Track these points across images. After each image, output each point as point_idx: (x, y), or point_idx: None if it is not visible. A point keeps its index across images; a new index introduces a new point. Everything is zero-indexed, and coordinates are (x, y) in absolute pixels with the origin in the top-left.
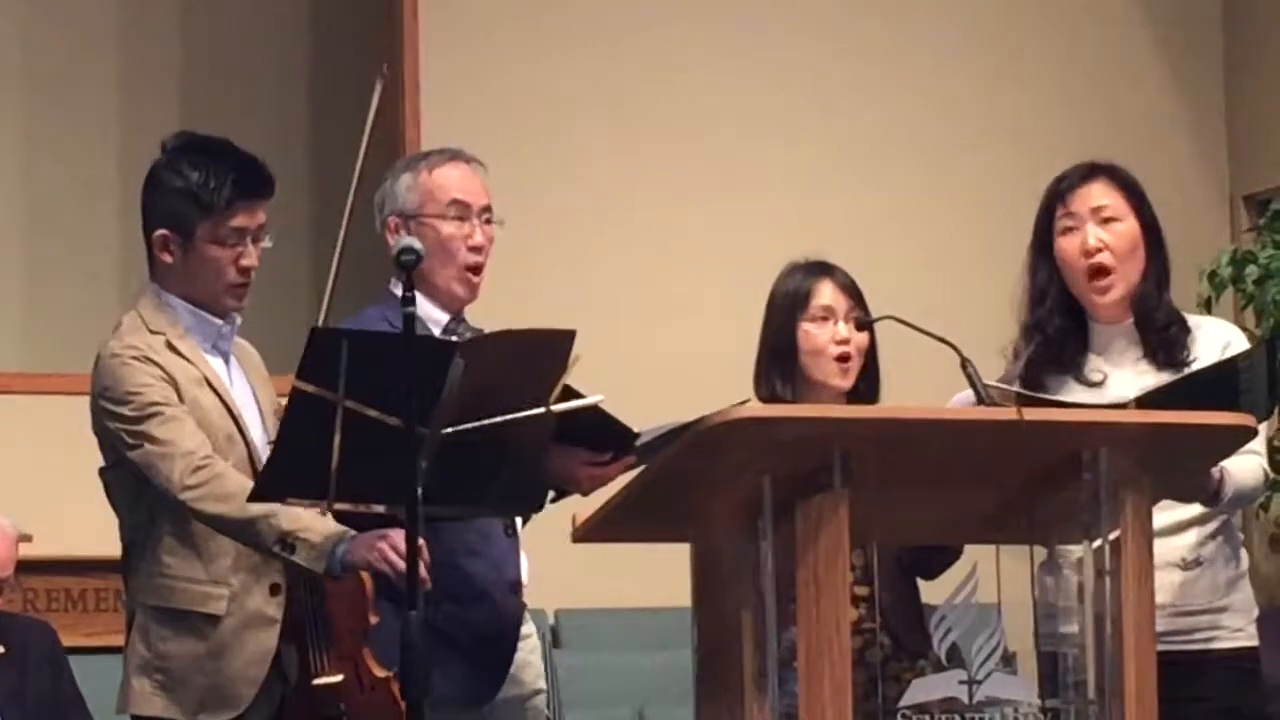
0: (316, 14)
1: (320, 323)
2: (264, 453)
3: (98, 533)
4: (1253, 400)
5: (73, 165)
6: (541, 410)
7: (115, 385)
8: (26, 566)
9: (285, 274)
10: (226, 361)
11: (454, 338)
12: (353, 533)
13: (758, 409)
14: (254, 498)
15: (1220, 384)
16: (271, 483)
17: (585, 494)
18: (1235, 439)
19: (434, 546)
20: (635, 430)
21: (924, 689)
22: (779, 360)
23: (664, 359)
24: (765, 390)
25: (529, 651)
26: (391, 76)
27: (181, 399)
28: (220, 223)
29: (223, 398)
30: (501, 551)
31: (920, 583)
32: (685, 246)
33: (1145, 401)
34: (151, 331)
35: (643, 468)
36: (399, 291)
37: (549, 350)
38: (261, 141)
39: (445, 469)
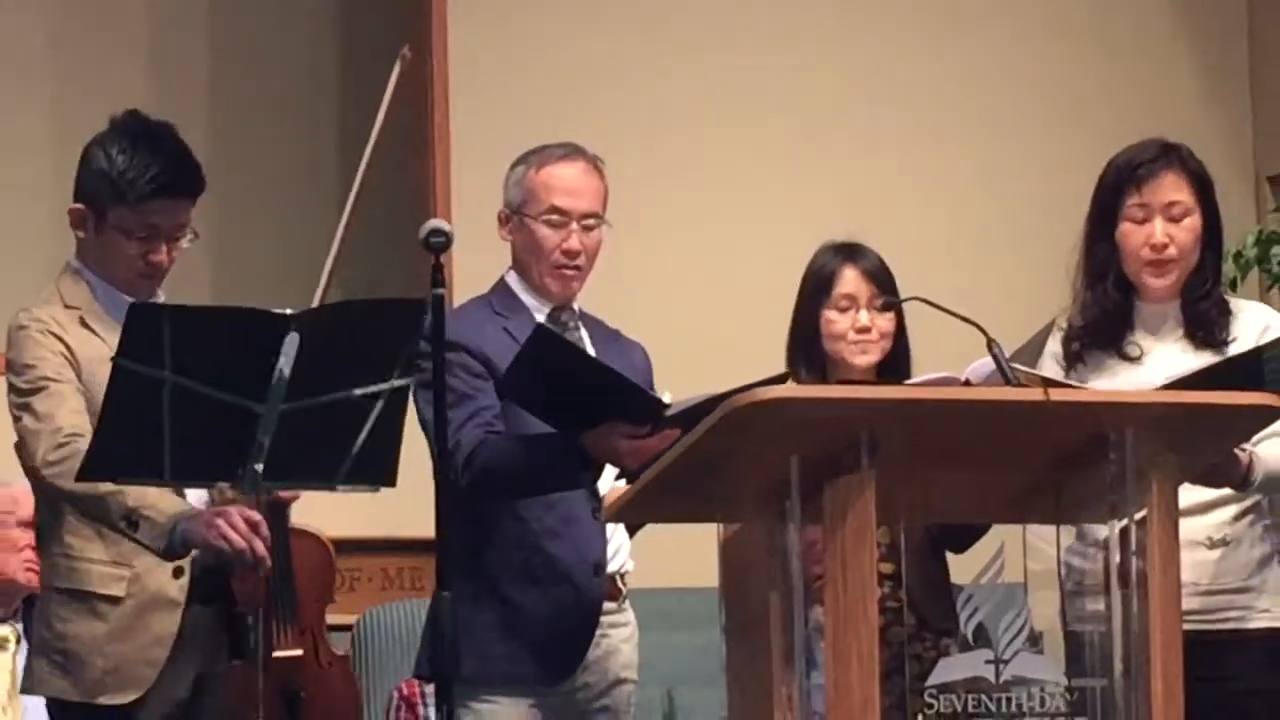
0: (346, 18)
1: (318, 301)
2: None
3: None
4: (1278, 386)
5: None
6: (394, 384)
7: (16, 357)
8: None
9: (310, 252)
10: None
11: (550, 324)
12: (195, 509)
13: (784, 390)
14: (80, 478)
15: (1246, 372)
16: (98, 463)
17: (632, 467)
18: (1258, 419)
19: (515, 528)
20: (665, 400)
21: (950, 668)
22: (804, 344)
23: (699, 334)
24: (792, 374)
25: (621, 640)
26: (420, 58)
27: (80, 375)
28: (132, 215)
29: None
30: (585, 534)
31: (950, 560)
32: (719, 223)
33: (1172, 386)
34: (67, 306)
35: (670, 449)
36: (509, 280)
37: (396, 320)
38: (291, 123)
39: (291, 444)
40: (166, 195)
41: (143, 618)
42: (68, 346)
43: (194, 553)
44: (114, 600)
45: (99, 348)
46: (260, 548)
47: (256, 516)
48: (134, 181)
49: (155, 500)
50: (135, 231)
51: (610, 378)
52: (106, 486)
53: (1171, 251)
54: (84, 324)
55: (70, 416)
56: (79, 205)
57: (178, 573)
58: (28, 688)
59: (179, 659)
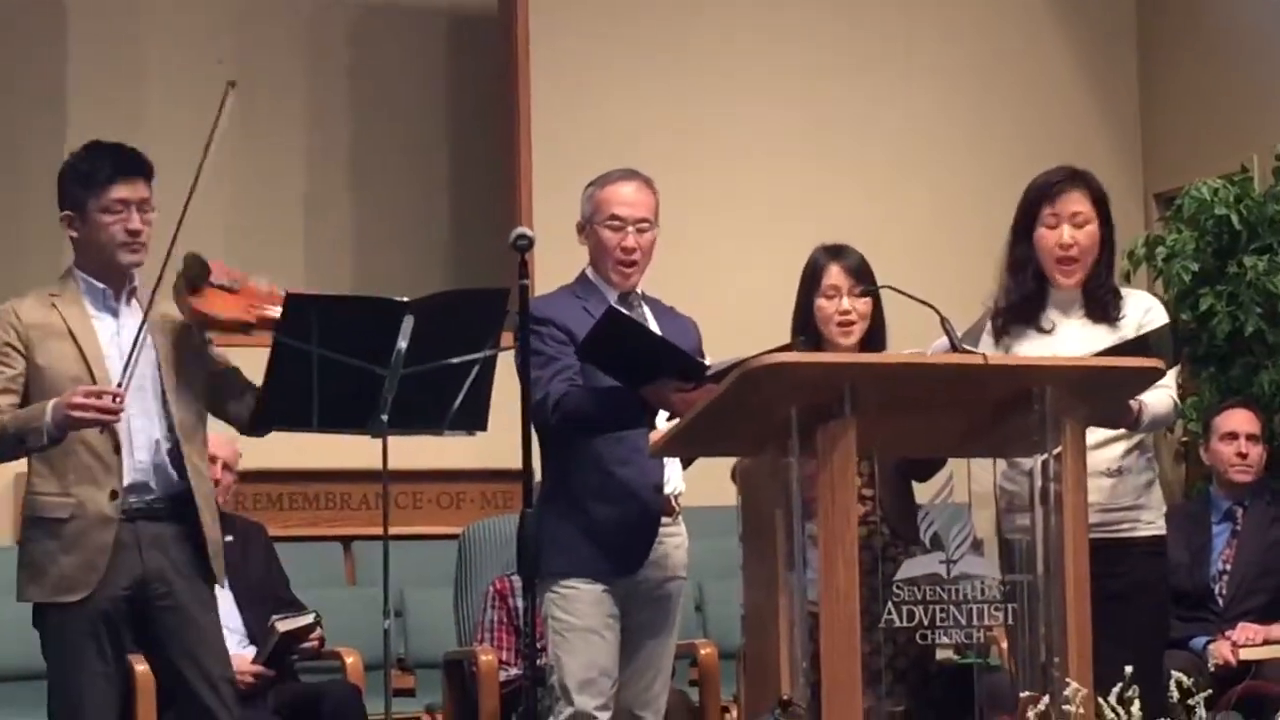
0: (453, 69)
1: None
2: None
3: (288, 451)
4: (1162, 359)
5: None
6: (485, 353)
7: None
8: (240, 476)
9: (421, 251)
10: (116, 316)
11: (619, 305)
12: (52, 404)
13: (787, 356)
14: (252, 428)
15: (1138, 348)
16: (265, 416)
17: (679, 415)
18: (1145, 378)
19: (593, 458)
20: (708, 364)
21: (913, 567)
22: (803, 325)
23: (732, 309)
24: (794, 346)
25: (674, 547)
26: (509, 109)
27: (30, 348)
28: (104, 195)
29: (80, 346)
30: (647, 462)
31: (915, 486)
32: (746, 228)
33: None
34: (49, 294)
35: (705, 400)
36: (587, 272)
37: (486, 304)
38: (409, 156)
39: (408, 400)
40: (124, 174)
41: (86, 534)
42: (17, 332)
43: (132, 480)
44: (62, 522)
45: (56, 322)
46: (108, 403)
47: (92, 387)
48: (99, 170)
49: (26, 420)
50: (111, 208)
51: (664, 346)
52: None
53: (1075, 252)
54: (53, 305)
55: None
56: (66, 212)
57: (113, 495)
58: (18, 596)
59: (121, 563)
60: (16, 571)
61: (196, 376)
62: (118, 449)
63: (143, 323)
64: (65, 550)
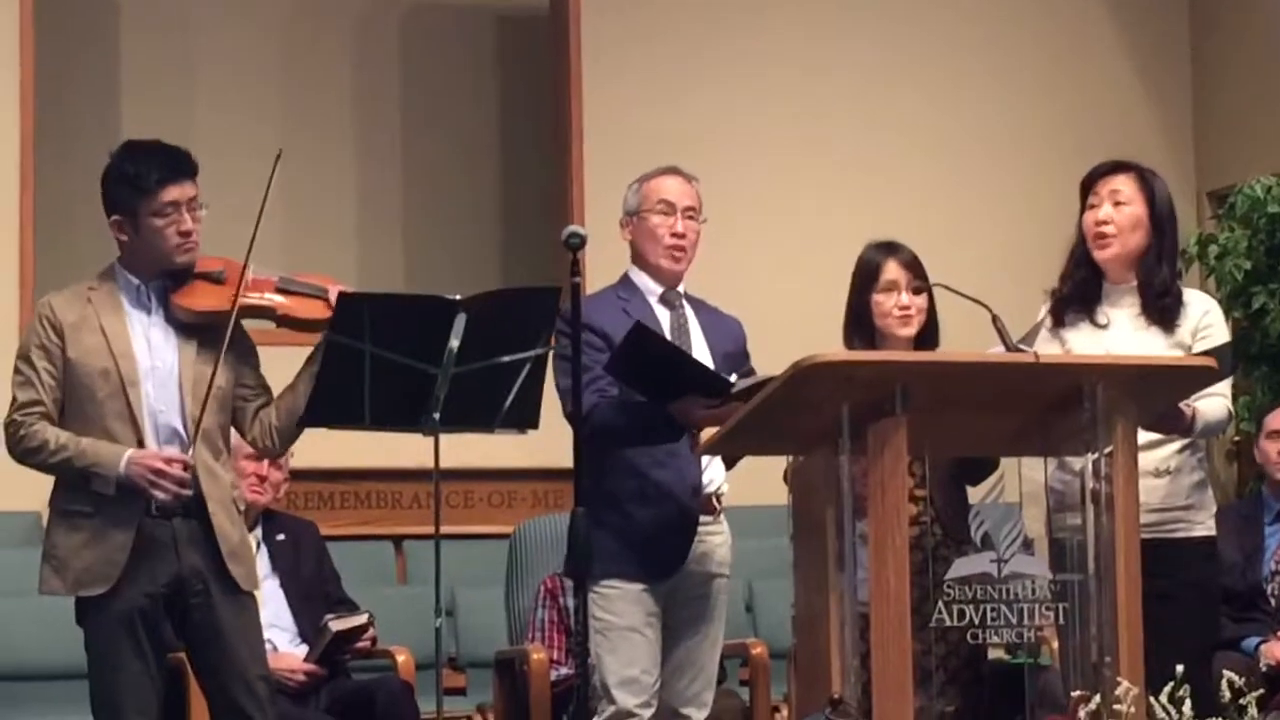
0: (503, 68)
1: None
2: (148, 375)
3: (340, 450)
4: (1222, 369)
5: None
6: (537, 351)
7: (25, 334)
8: (291, 475)
9: (474, 250)
10: (149, 314)
11: (661, 303)
12: (130, 453)
13: (840, 354)
14: (302, 424)
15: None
16: (316, 413)
17: (701, 429)
18: (1198, 377)
19: (630, 460)
20: (732, 380)
21: (964, 566)
22: (857, 321)
23: (779, 309)
24: (848, 345)
25: (716, 545)
26: (564, 112)
27: (64, 341)
28: (155, 199)
29: (109, 339)
30: (685, 463)
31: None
32: (793, 227)
33: None
34: (87, 288)
35: (751, 400)
36: (630, 272)
37: (539, 303)
38: (460, 155)
39: (459, 398)
40: (174, 177)
41: (106, 530)
42: (54, 327)
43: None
44: (87, 515)
45: (90, 316)
46: (173, 475)
47: (169, 455)
48: (148, 175)
49: (96, 458)
50: (163, 211)
51: (689, 362)
52: (58, 458)
53: (1109, 228)
54: (88, 300)
55: (27, 394)
56: (116, 217)
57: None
58: (40, 588)
59: (158, 561)
60: (41, 564)
61: (225, 379)
62: (141, 444)
63: (224, 349)
64: (87, 544)
